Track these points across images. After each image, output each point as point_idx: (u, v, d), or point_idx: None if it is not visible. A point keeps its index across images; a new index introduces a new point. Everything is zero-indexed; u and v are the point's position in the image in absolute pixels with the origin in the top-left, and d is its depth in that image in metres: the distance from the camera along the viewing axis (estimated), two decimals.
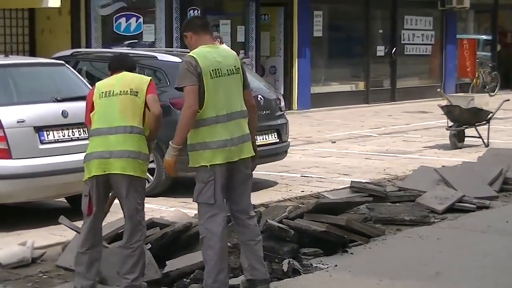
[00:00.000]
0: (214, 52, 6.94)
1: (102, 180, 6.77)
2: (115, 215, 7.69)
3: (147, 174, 7.59)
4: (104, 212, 7.04)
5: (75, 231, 7.51)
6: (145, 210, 7.05)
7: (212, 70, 6.75)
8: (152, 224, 7.92)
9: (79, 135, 9.43)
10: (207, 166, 6.72)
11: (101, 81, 7.15)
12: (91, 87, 8.38)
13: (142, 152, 6.84)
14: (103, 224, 7.14)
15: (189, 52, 6.98)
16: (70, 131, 9.46)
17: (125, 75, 7.04)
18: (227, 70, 6.85)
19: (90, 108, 6.92)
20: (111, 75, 7.18)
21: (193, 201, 6.96)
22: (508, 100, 18.09)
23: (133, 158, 6.76)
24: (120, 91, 6.83)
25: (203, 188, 6.72)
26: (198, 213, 6.93)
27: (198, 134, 6.75)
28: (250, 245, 6.94)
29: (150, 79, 7.12)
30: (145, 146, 6.90)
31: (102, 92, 6.89)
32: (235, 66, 6.93)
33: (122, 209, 6.92)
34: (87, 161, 6.80)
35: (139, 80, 7.03)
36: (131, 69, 7.26)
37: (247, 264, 6.96)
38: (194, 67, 6.69)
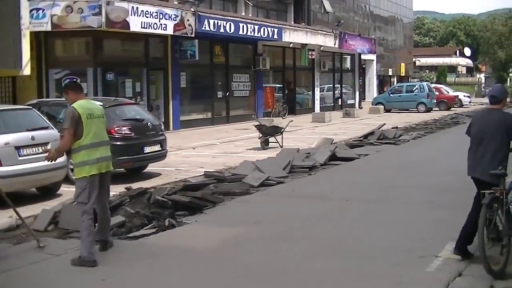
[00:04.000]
0: (88, 103, 6.36)
1: None
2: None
3: None
4: None
5: None
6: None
7: (88, 114, 6.16)
8: None
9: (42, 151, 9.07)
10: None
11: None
12: (48, 123, 8.12)
13: None
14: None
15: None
16: (36, 148, 9.19)
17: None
18: (97, 115, 6.30)
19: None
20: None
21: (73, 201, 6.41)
22: (292, 121, 18.85)
23: None
24: None
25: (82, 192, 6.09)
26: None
27: (78, 155, 6.13)
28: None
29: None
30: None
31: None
32: (101, 113, 6.41)
33: None
34: None
35: None
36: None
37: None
38: (74, 114, 6.08)
